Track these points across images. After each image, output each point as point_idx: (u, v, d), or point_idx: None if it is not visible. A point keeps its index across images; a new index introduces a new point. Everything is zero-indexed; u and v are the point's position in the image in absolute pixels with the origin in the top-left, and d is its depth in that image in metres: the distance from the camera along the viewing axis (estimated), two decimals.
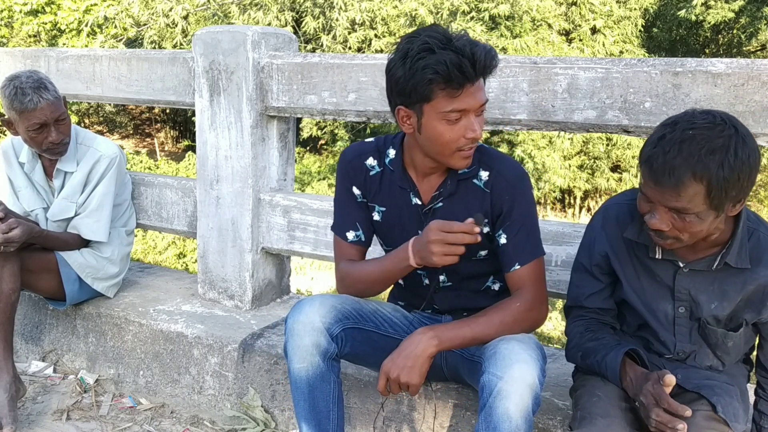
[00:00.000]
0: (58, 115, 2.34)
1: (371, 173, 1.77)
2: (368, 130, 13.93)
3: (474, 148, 1.61)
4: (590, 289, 1.66)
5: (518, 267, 1.66)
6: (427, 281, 1.82)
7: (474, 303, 1.78)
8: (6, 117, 2.36)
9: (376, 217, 1.80)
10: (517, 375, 1.44)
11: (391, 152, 1.75)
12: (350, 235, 1.80)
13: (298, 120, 8.52)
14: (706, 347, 1.57)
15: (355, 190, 1.79)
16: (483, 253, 1.74)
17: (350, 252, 1.81)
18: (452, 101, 1.51)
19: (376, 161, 1.77)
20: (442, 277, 1.80)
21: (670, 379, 1.38)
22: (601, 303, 1.66)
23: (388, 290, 1.93)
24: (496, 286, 1.83)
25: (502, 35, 10.81)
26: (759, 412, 1.61)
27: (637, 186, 1.69)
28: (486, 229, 1.70)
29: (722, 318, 1.53)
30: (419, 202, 1.73)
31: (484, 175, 1.69)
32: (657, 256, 1.54)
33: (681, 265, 1.52)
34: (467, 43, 1.49)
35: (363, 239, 1.82)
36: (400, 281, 1.89)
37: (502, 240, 1.69)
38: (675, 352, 1.59)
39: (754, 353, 1.66)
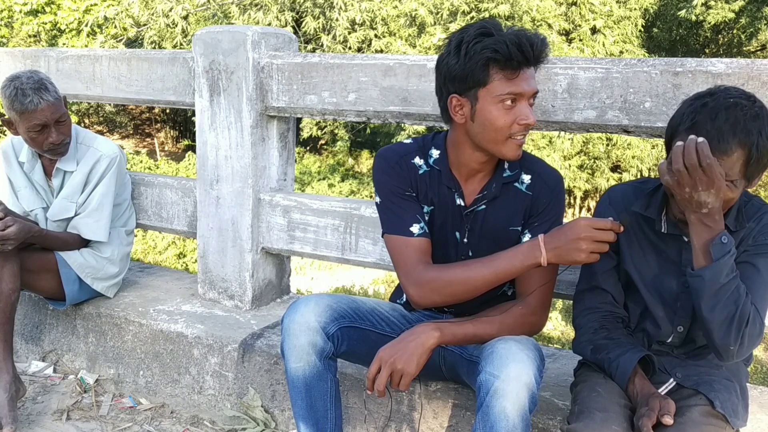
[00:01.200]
0: (59, 115, 2.34)
1: (420, 172, 1.72)
2: (368, 130, 13.95)
3: (525, 137, 1.61)
4: (604, 266, 1.67)
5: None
6: None
7: (487, 307, 1.74)
8: (6, 117, 2.36)
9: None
10: (513, 374, 1.44)
11: (435, 152, 1.72)
12: (415, 228, 1.69)
13: (298, 120, 8.52)
14: None
15: (407, 189, 1.72)
16: None
17: (421, 247, 1.68)
18: (508, 84, 1.52)
19: (422, 161, 1.73)
20: None
21: (666, 420, 1.40)
22: (614, 285, 1.67)
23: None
24: (510, 292, 1.81)
25: None
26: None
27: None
28: (519, 229, 1.71)
29: None
30: (462, 204, 1.71)
31: (527, 178, 1.70)
32: (663, 230, 1.57)
33: (686, 239, 1.54)
34: (522, 30, 1.52)
35: (427, 231, 1.71)
36: None
37: (525, 239, 1.69)
38: (675, 328, 1.60)
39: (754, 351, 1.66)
